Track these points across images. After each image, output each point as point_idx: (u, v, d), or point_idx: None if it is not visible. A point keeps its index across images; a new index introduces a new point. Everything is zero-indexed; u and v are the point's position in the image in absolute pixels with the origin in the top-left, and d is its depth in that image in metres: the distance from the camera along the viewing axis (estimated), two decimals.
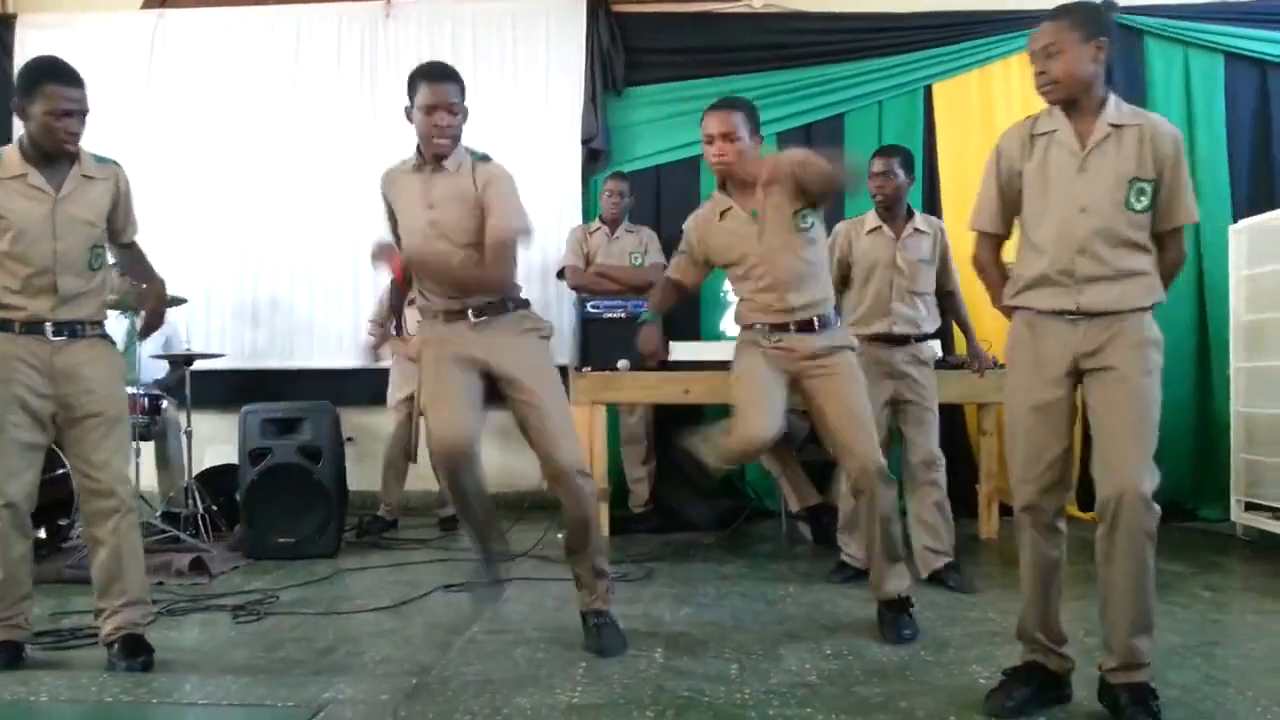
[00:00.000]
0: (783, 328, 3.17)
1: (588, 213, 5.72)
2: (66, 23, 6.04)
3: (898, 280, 3.89)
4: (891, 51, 5.77)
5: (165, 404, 4.95)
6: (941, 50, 5.74)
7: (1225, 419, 5.14)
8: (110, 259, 3.05)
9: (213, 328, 5.87)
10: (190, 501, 4.70)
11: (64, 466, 4.65)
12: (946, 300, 4.08)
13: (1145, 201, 2.39)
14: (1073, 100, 2.43)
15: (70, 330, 2.82)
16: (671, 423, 5.37)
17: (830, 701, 2.51)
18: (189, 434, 4.79)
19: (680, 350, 4.58)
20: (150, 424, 4.80)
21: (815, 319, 3.17)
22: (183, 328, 5.42)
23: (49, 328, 2.79)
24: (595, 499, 3.04)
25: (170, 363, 5.04)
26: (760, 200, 3.12)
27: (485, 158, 3.03)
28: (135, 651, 2.82)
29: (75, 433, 2.83)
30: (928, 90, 5.75)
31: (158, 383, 5.09)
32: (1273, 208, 5.03)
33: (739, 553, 4.60)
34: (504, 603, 3.57)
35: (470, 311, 2.95)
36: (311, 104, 5.94)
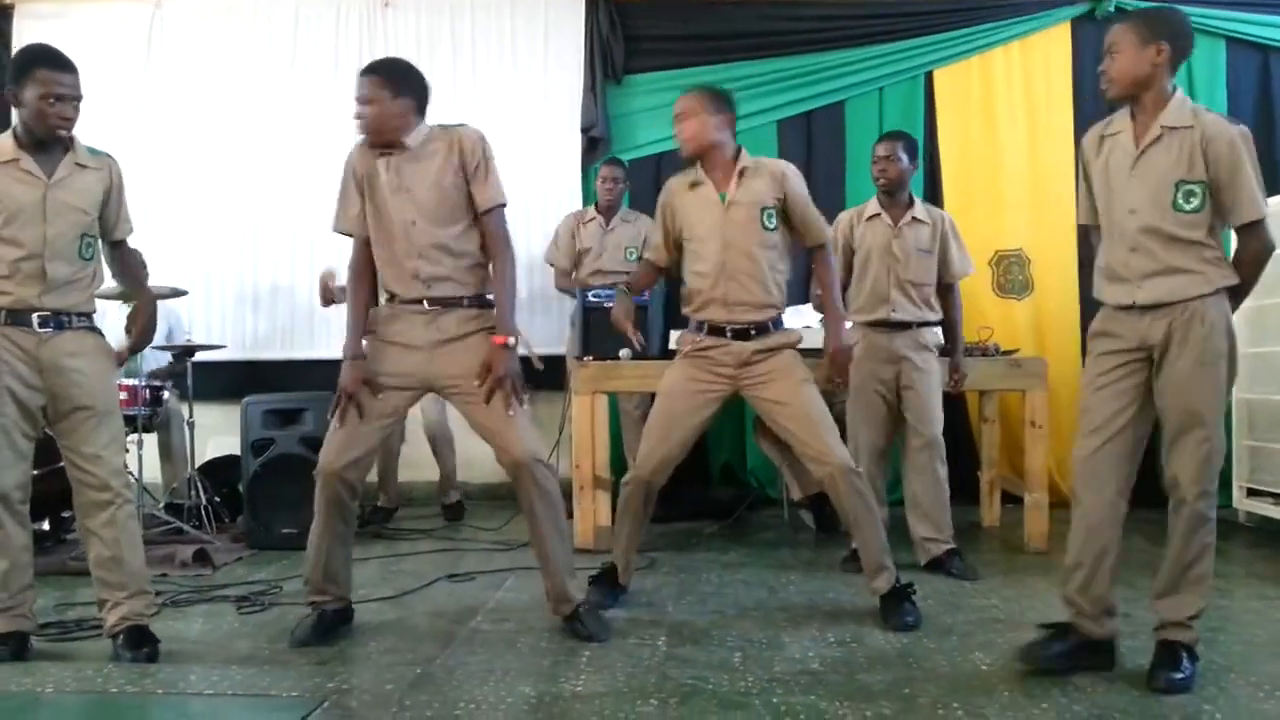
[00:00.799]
0: (719, 331, 3.19)
1: (587, 202, 5.71)
2: (63, 13, 6.02)
3: (895, 268, 3.87)
4: (892, 38, 5.75)
5: (167, 395, 4.95)
6: (942, 36, 5.72)
7: (1227, 405, 5.12)
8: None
9: (214, 319, 5.87)
10: (193, 493, 4.72)
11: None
12: (944, 295, 4.00)
13: (1195, 202, 2.48)
14: (1134, 99, 2.58)
15: (57, 322, 2.81)
16: None
17: (833, 689, 2.52)
18: (191, 425, 4.80)
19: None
20: (152, 415, 4.81)
21: (752, 326, 3.18)
22: (184, 319, 5.43)
23: (35, 318, 2.78)
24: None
25: (172, 354, 5.04)
26: (733, 187, 3.17)
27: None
28: (140, 643, 2.82)
29: (65, 426, 2.83)
30: (928, 76, 5.74)
31: (159, 374, 5.09)
32: (1275, 192, 5.01)
33: (741, 541, 4.61)
34: (508, 591, 3.58)
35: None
36: (310, 92, 5.93)
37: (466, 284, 2.98)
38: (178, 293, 4.90)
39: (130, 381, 4.68)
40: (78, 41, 5.97)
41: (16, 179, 2.78)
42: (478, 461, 5.75)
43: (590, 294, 4.69)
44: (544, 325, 5.79)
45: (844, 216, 4.06)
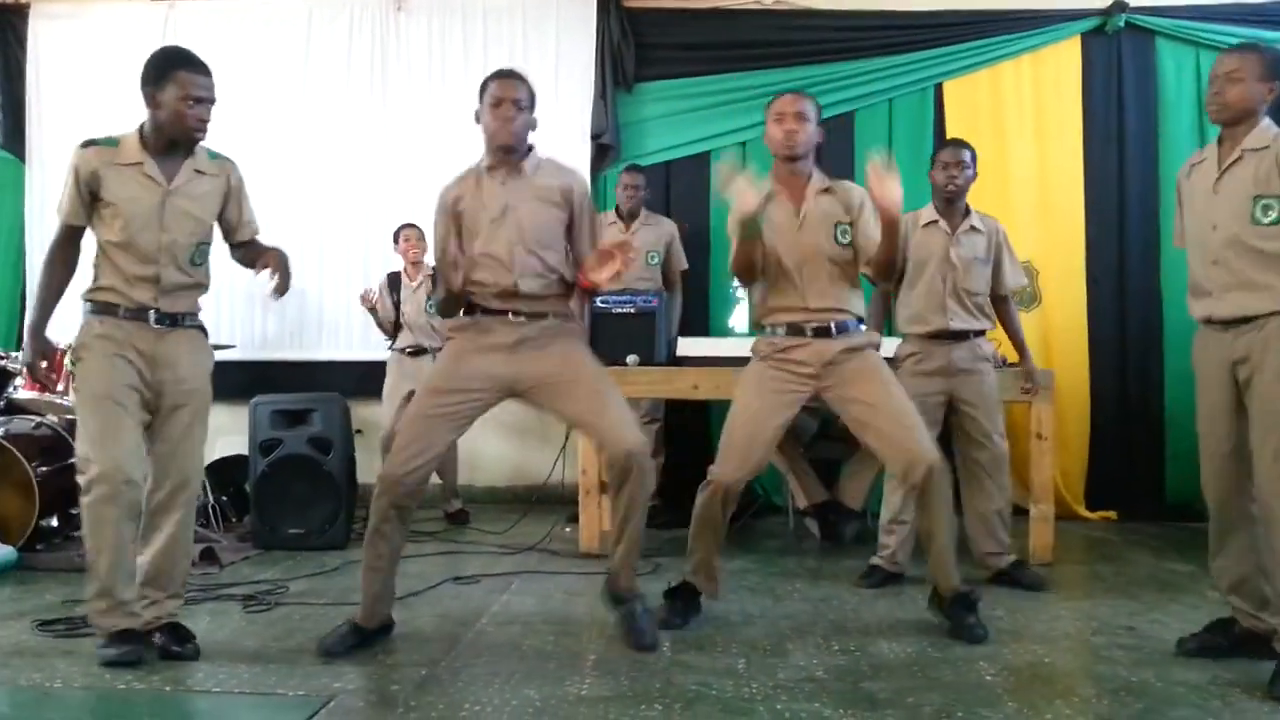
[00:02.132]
0: (798, 330, 3.14)
1: (597, 208, 5.72)
2: (78, 13, 6.06)
3: (951, 276, 3.78)
4: (902, 49, 5.76)
5: None
6: (952, 49, 5.72)
7: None
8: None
9: (223, 319, 5.89)
10: (201, 492, 4.72)
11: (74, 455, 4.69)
12: (999, 306, 3.94)
13: (1274, 215, 2.60)
14: (1233, 124, 2.70)
15: (171, 319, 2.84)
16: (680, 418, 5.40)
17: (837, 697, 2.52)
18: None
19: (689, 346, 4.60)
20: None
21: (833, 324, 3.13)
22: None
23: (151, 315, 2.81)
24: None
25: None
26: (809, 201, 3.14)
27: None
28: (184, 638, 2.84)
29: (162, 419, 2.84)
30: (938, 89, 5.74)
31: None
32: None
33: (746, 548, 4.61)
34: (513, 595, 3.59)
35: None
36: (323, 95, 5.95)
37: (551, 299, 3.01)
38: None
39: None
40: (91, 42, 6.03)
41: (138, 183, 2.79)
42: (483, 464, 5.79)
43: (599, 300, 4.70)
44: None
45: None
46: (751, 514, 5.26)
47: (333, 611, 3.35)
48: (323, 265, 5.95)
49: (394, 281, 5.36)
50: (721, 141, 5.72)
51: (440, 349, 5.40)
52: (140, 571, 2.83)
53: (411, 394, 5.30)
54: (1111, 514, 5.38)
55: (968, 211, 3.88)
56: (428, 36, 5.98)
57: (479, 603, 3.51)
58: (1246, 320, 2.65)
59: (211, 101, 2.82)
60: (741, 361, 4.26)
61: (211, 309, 5.69)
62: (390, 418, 5.10)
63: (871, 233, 3.09)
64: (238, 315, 5.96)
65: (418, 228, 5.23)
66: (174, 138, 2.79)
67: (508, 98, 2.94)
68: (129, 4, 6.09)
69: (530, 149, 3.06)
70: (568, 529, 4.79)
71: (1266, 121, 2.70)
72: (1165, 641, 3.02)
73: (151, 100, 2.77)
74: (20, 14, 6.11)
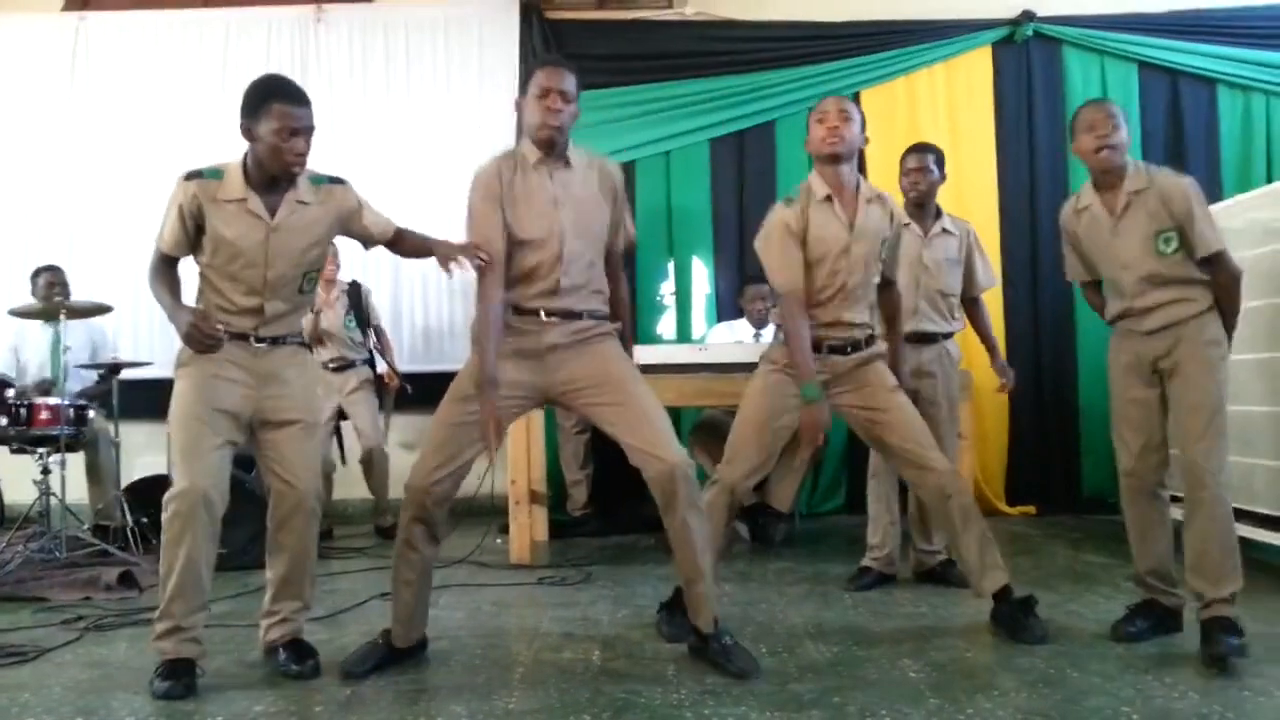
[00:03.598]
0: (840, 350, 3.16)
1: None
2: None
3: (924, 279, 3.81)
4: (821, 59, 5.88)
5: (93, 414, 4.84)
6: (869, 58, 5.86)
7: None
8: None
9: (140, 336, 5.76)
10: (119, 513, 4.61)
11: None
12: (970, 307, 4.00)
13: (1175, 244, 2.92)
14: (1115, 177, 2.99)
15: (273, 340, 2.80)
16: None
17: (764, 699, 2.55)
18: (118, 445, 4.69)
19: None
20: (78, 435, 4.70)
21: (863, 340, 3.18)
22: (110, 336, 5.32)
23: (253, 338, 2.77)
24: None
25: (98, 372, 4.93)
26: (861, 213, 3.15)
27: None
28: (304, 655, 2.82)
29: (271, 437, 2.80)
30: (856, 97, 5.85)
31: (85, 393, 4.97)
32: None
33: None
34: (442, 609, 3.56)
35: None
36: (239, 108, 5.84)
37: (591, 299, 2.86)
38: (103, 309, 4.80)
39: (53, 400, 4.58)
40: (1, 50, 5.87)
41: (243, 220, 2.71)
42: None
43: None
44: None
45: None
46: None
47: (255, 633, 3.27)
48: None
49: None
50: (645, 151, 5.77)
51: (366, 360, 5.37)
52: (270, 587, 2.87)
53: (338, 410, 5.27)
54: (1031, 509, 5.53)
55: (939, 214, 3.90)
56: (348, 49, 5.94)
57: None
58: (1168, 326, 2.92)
59: (310, 130, 2.71)
60: (668, 369, 4.28)
61: (129, 326, 5.65)
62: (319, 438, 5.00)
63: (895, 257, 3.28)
64: (155, 332, 5.80)
65: (332, 244, 5.18)
66: (272, 173, 2.71)
67: (555, 88, 2.76)
68: (40, 14, 5.94)
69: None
70: (498, 540, 4.78)
71: (1133, 165, 2.98)
72: (1082, 632, 3.11)
73: (248, 134, 2.69)
74: None
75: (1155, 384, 2.96)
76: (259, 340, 2.78)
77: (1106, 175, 2.99)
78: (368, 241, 2.98)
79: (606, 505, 5.41)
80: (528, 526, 4.41)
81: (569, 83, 2.77)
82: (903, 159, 3.92)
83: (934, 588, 3.76)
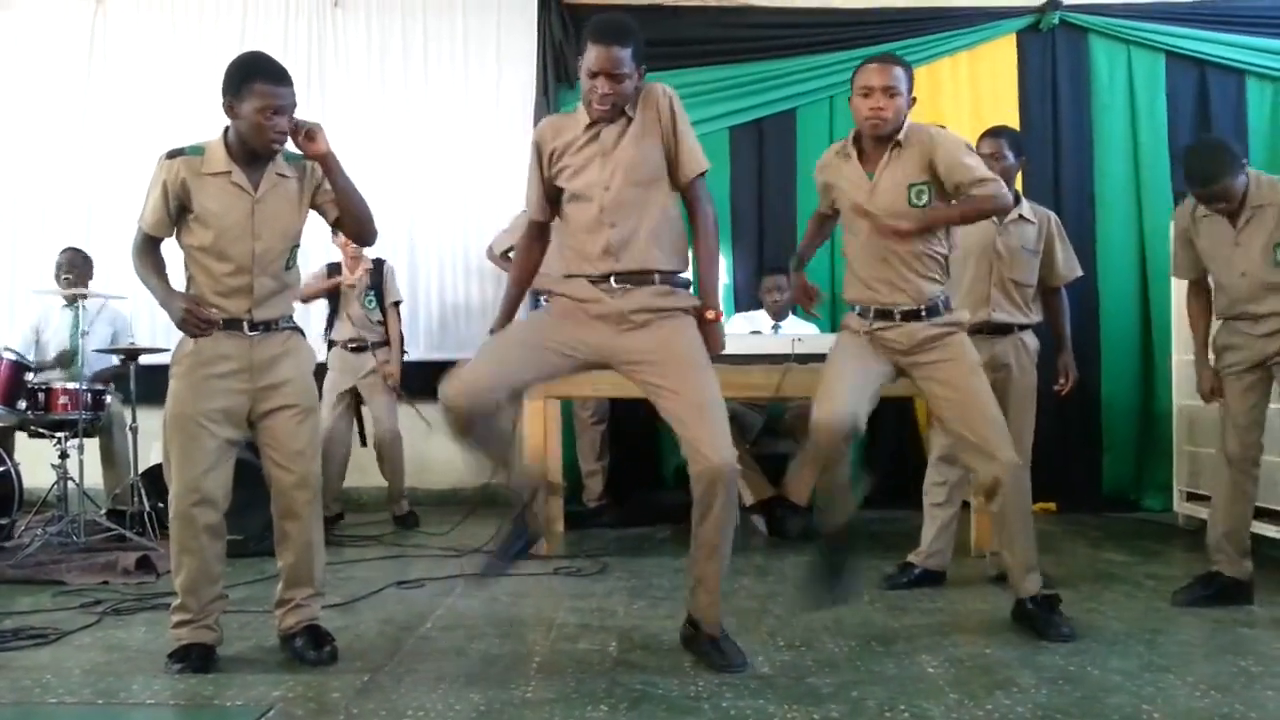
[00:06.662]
0: (886, 314, 3.05)
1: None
2: (4, 9, 5.89)
3: (997, 266, 3.69)
4: (842, 47, 5.81)
5: (109, 399, 4.86)
6: (890, 46, 5.74)
7: (1168, 411, 5.25)
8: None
9: (158, 321, 5.73)
10: (136, 499, 4.62)
11: (2, 464, 4.56)
12: (1050, 297, 3.88)
13: None
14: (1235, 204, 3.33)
15: (266, 325, 2.80)
16: (626, 420, 5.39)
17: (782, 692, 2.53)
18: (134, 430, 4.70)
19: None
20: (94, 420, 4.71)
21: (923, 309, 3.02)
22: (129, 321, 5.33)
23: (246, 324, 2.77)
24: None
25: (116, 356, 4.94)
26: (882, 165, 3.03)
27: None
28: (321, 641, 2.84)
29: (270, 424, 2.81)
30: None
31: (102, 376, 4.98)
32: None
33: None
34: (458, 598, 3.56)
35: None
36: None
37: (659, 259, 2.74)
38: (118, 296, 4.81)
39: (71, 385, 4.59)
40: (19, 38, 5.87)
41: (228, 193, 2.73)
42: (432, 467, 5.72)
43: (543, 298, 4.66)
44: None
45: None
46: None
47: (273, 619, 3.28)
48: None
49: (333, 273, 5.29)
50: None
51: (383, 342, 5.30)
52: (282, 574, 2.90)
53: (353, 390, 5.24)
54: (1051, 505, 5.48)
55: (1017, 200, 3.76)
56: (366, 34, 5.92)
57: (423, 607, 3.47)
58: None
59: (292, 108, 2.73)
60: None
61: (146, 311, 5.63)
62: (328, 417, 5.00)
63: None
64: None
65: None
66: (254, 149, 2.73)
67: (604, 70, 2.63)
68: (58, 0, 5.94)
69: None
70: None
71: (1253, 177, 3.31)
72: (1103, 630, 3.08)
73: (230, 111, 2.72)
74: None
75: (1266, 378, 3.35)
76: (253, 327, 2.77)
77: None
78: (328, 214, 2.93)
79: (623, 496, 5.39)
80: (543, 517, 4.39)
81: (620, 61, 2.63)
82: (977, 143, 3.77)
83: (949, 585, 3.73)
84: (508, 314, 2.94)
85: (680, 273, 2.81)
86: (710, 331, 2.76)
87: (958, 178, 2.96)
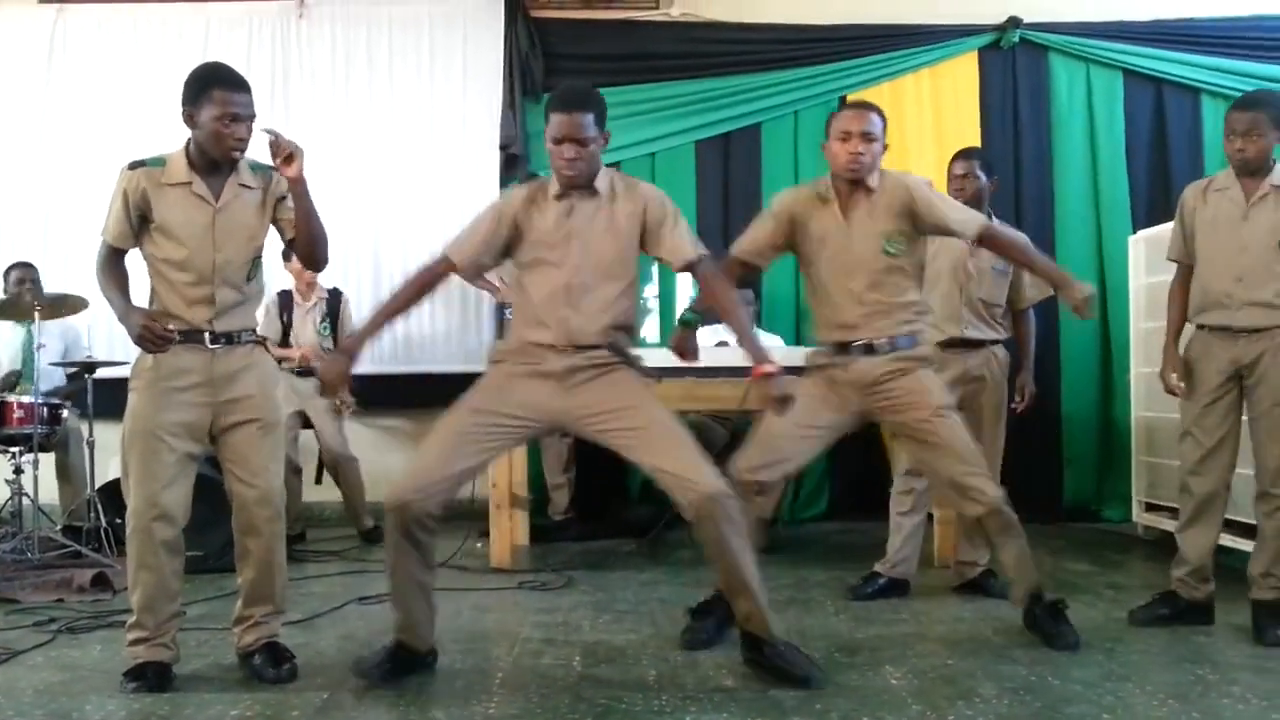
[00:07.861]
0: (845, 348, 3.07)
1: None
2: None
3: (968, 286, 3.75)
4: (806, 62, 5.86)
5: (66, 414, 4.78)
6: (855, 62, 5.85)
7: (1127, 423, 5.32)
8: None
9: (115, 334, 5.63)
10: (92, 515, 4.54)
11: None
12: (1017, 319, 3.92)
13: None
14: (1255, 173, 3.16)
15: (228, 338, 2.76)
16: None
17: (747, 705, 2.53)
18: (91, 444, 4.63)
19: None
20: (50, 434, 4.63)
21: (885, 340, 3.04)
22: (84, 334, 5.24)
23: (207, 337, 2.73)
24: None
25: (71, 371, 4.86)
26: (855, 211, 3.08)
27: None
28: (280, 659, 2.79)
29: (232, 439, 2.78)
30: (842, 101, 5.82)
31: (58, 391, 4.90)
32: (1169, 218, 5.20)
33: (658, 560, 4.61)
34: None
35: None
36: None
37: (612, 334, 2.79)
38: (80, 304, 4.73)
39: (26, 399, 4.51)
40: None
41: (189, 203, 2.70)
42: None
43: (508, 311, 4.65)
44: (460, 340, 5.77)
45: None
46: (663, 525, 5.26)
47: (232, 636, 3.24)
48: None
49: (285, 300, 5.23)
50: (630, 152, 5.73)
51: None
52: (241, 591, 2.85)
53: (300, 414, 5.18)
54: None
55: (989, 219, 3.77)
56: (331, 46, 5.88)
57: (384, 623, 3.39)
58: (1256, 331, 3.11)
59: (251, 118, 2.71)
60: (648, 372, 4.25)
61: (104, 324, 5.55)
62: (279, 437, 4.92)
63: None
64: None
65: None
66: (213, 157, 2.71)
67: (569, 136, 2.68)
68: (17, 6, 5.86)
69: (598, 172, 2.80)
70: (478, 544, 4.74)
71: None
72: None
73: (190, 120, 2.70)
74: None
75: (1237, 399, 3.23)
76: (214, 340, 2.75)
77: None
78: (284, 233, 2.90)
79: (589, 510, 5.37)
80: (509, 530, 4.38)
81: (583, 126, 2.68)
82: (950, 165, 3.86)
83: (914, 596, 3.75)
84: (365, 335, 2.85)
85: (627, 345, 2.84)
86: (770, 385, 2.69)
87: (936, 217, 3.07)
